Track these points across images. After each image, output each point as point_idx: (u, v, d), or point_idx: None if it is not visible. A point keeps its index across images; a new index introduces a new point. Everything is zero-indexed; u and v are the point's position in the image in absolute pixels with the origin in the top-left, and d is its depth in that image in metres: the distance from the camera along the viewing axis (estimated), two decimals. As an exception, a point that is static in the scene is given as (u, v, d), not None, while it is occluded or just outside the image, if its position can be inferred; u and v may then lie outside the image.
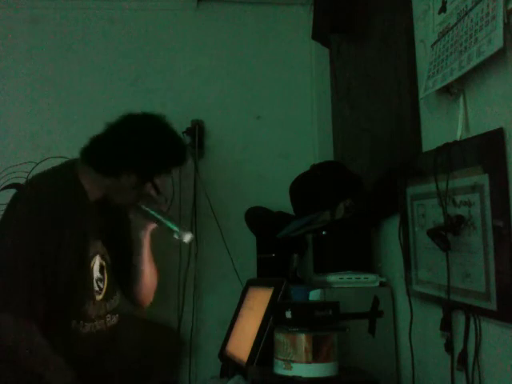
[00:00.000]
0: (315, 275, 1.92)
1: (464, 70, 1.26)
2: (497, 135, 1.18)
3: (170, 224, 1.92)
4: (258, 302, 1.90)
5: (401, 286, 1.68)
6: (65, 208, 1.73)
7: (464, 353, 1.31)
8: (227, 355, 1.96)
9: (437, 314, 1.41)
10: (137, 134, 1.81)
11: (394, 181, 1.69)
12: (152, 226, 1.95)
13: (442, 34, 1.40)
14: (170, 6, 2.64)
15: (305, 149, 2.61)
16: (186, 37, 2.64)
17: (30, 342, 1.64)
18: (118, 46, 2.59)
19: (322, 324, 1.48)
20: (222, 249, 2.48)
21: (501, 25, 1.12)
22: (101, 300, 1.84)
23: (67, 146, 2.52)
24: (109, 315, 1.87)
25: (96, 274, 1.83)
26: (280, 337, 1.47)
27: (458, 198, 1.33)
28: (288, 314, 1.47)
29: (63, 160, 2.53)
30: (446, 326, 1.37)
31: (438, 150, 1.40)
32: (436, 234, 1.35)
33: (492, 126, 1.20)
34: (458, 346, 1.33)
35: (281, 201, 2.24)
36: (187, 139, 2.54)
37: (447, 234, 1.33)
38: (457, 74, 1.29)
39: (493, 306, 1.20)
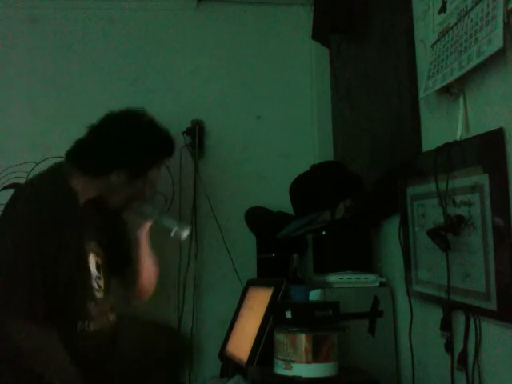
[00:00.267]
0: (315, 275, 1.92)
1: (464, 70, 1.26)
2: (497, 135, 1.18)
3: (164, 222, 1.93)
4: (258, 302, 1.90)
5: (401, 286, 1.68)
6: (64, 208, 1.73)
7: (464, 353, 1.31)
8: (227, 355, 1.96)
9: (437, 314, 1.41)
10: (119, 130, 1.81)
11: (393, 181, 1.69)
12: (148, 224, 1.95)
13: (442, 34, 1.40)
14: (169, 5, 2.64)
15: (305, 149, 2.61)
16: (186, 37, 2.64)
17: (30, 342, 1.63)
18: (118, 45, 2.59)
19: (322, 324, 1.48)
20: (222, 249, 2.48)
21: (501, 25, 1.12)
22: (101, 298, 1.85)
23: (67, 146, 2.51)
24: (109, 313, 1.88)
25: (94, 272, 1.83)
26: (280, 337, 1.47)
27: (458, 198, 1.33)
28: (288, 314, 1.47)
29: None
30: (446, 325, 1.37)
31: (438, 149, 1.40)
32: (436, 234, 1.35)
33: (492, 126, 1.20)
34: (458, 346, 1.33)
35: (281, 201, 2.24)
36: (187, 139, 2.54)
37: (447, 233, 1.33)
38: (457, 74, 1.29)
39: (493, 306, 1.20)
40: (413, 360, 1.53)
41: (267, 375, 1.48)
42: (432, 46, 1.46)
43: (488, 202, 1.22)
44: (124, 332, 1.90)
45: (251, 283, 2.12)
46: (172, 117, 2.56)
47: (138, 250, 1.96)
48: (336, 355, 1.46)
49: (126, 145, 1.79)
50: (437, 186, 1.38)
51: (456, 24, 1.32)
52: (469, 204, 1.29)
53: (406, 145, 1.67)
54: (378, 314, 1.71)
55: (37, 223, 1.69)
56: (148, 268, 1.99)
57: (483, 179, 1.23)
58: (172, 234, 1.92)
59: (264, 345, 1.69)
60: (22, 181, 2.47)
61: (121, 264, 1.98)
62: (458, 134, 1.34)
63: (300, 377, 1.42)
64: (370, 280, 1.77)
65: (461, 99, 1.34)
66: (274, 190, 2.48)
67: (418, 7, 1.60)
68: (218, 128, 2.61)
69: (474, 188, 1.27)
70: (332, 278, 1.77)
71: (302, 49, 2.66)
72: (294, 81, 2.66)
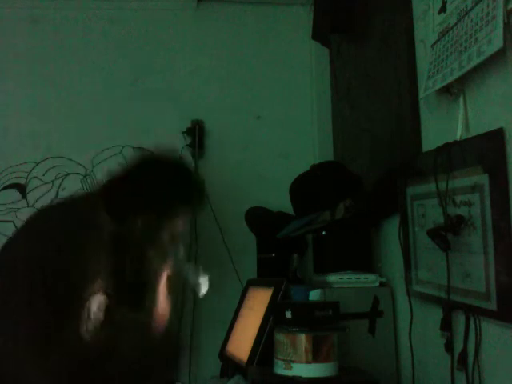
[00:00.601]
0: (315, 275, 1.92)
1: (464, 70, 1.26)
2: (497, 135, 1.18)
3: (186, 272, 1.91)
4: (258, 302, 1.90)
5: (401, 286, 1.68)
6: (79, 235, 1.71)
7: (464, 353, 1.31)
8: (227, 355, 1.96)
9: (437, 314, 1.41)
10: (152, 176, 1.80)
11: (393, 181, 1.69)
12: (168, 269, 1.93)
13: (442, 34, 1.40)
14: (169, 5, 2.64)
15: (305, 149, 2.61)
16: (185, 37, 2.64)
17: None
18: (117, 46, 2.59)
19: (322, 324, 1.47)
20: (222, 249, 2.48)
21: (501, 25, 1.12)
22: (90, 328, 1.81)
23: (67, 146, 2.53)
24: (106, 326, 1.85)
25: (93, 311, 1.79)
26: (280, 337, 1.47)
27: (458, 198, 1.33)
28: (288, 314, 1.47)
29: (63, 160, 2.54)
30: (446, 325, 1.37)
31: (438, 150, 1.40)
32: (436, 234, 1.35)
33: (492, 125, 1.20)
34: (458, 346, 1.33)
35: (281, 201, 2.24)
36: (187, 139, 2.55)
37: (447, 233, 1.33)
38: (457, 74, 1.29)
39: (493, 306, 1.20)
40: (413, 360, 1.53)
41: (267, 375, 1.48)
42: (432, 46, 1.46)
43: (488, 202, 1.22)
44: (123, 332, 1.90)
45: (251, 283, 2.12)
46: (172, 117, 2.57)
47: (154, 294, 1.93)
48: (336, 355, 1.46)
49: (154, 192, 1.78)
50: (437, 186, 1.38)
51: (456, 24, 1.32)
52: (469, 204, 1.29)
53: (406, 145, 1.67)
54: (378, 314, 1.71)
55: (51, 234, 1.67)
56: (161, 310, 1.97)
57: (483, 179, 1.23)
58: (190, 286, 1.91)
59: (264, 345, 1.68)
60: (22, 181, 2.48)
61: (133, 302, 1.94)
62: (458, 134, 1.34)
63: (300, 377, 1.42)
64: (370, 280, 1.77)
65: (461, 99, 1.34)
66: (273, 190, 2.48)
67: (417, 7, 1.60)
68: (218, 128, 2.61)
69: (474, 188, 1.27)
70: (332, 277, 1.77)
71: (302, 49, 2.66)
72: (294, 81, 2.66)
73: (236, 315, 2.05)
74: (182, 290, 2.44)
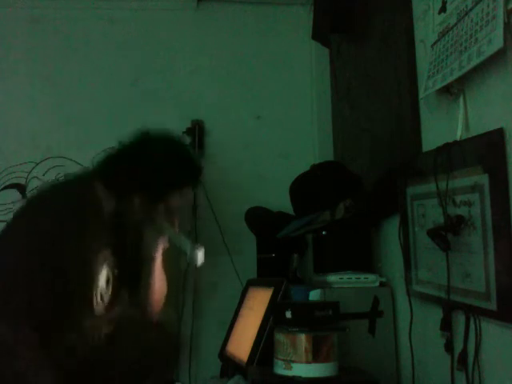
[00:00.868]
0: (315, 275, 1.92)
1: (464, 70, 1.26)
2: (497, 135, 1.18)
3: (183, 245, 1.92)
4: (258, 302, 1.90)
5: (401, 286, 1.68)
6: (82, 216, 1.72)
7: (464, 353, 1.31)
8: (227, 355, 1.96)
9: (437, 314, 1.41)
10: (148, 154, 1.81)
11: (393, 181, 1.69)
12: (164, 244, 1.94)
13: (442, 34, 1.40)
14: (170, 5, 2.64)
15: (305, 149, 2.61)
16: (185, 37, 2.64)
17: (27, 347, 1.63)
18: (117, 46, 2.59)
19: (322, 324, 1.47)
20: (222, 249, 2.48)
21: (501, 25, 1.12)
22: (100, 311, 1.83)
23: (67, 146, 2.53)
24: (106, 325, 1.86)
25: (101, 285, 1.81)
26: (280, 337, 1.47)
27: (458, 198, 1.33)
28: (288, 314, 1.47)
29: (63, 160, 2.53)
30: (446, 325, 1.37)
31: (438, 150, 1.40)
32: (436, 234, 1.35)
33: (492, 126, 1.20)
34: (458, 346, 1.33)
35: (281, 201, 2.24)
36: (187, 139, 2.54)
37: (447, 233, 1.33)
38: (457, 74, 1.29)
39: (493, 306, 1.20)
40: (413, 360, 1.53)
41: (267, 375, 1.48)
42: (432, 46, 1.46)
43: (488, 202, 1.22)
44: (123, 331, 1.90)
45: (251, 283, 2.12)
46: (172, 117, 2.57)
47: (150, 269, 1.94)
48: (336, 355, 1.46)
49: (150, 169, 1.79)
50: (437, 186, 1.38)
51: (456, 24, 1.32)
52: (469, 204, 1.29)
53: (406, 145, 1.67)
54: (378, 314, 1.71)
55: (44, 233, 1.68)
56: (158, 287, 1.98)
57: (483, 179, 1.23)
58: (188, 260, 1.92)
59: (264, 345, 1.68)
60: (22, 181, 2.48)
61: (132, 280, 1.96)
62: (458, 133, 1.34)
63: (300, 377, 1.42)
64: (370, 280, 1.77)
65: (461, 99, 1.34)
66: (274, 190, 2.48)
67: (417, 7, 1.60)
68: (217, 128, 2.61)
69: (473, 188, 1.27)
70: (332, 278, 1.77)
71: (302, 49, 2.66)
72: (294, 81, 2.66)
73: (236, 315, 2.05)
74: (181, 289, 2.45)
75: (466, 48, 1.26)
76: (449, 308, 1.36)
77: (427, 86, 1.45)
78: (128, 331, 1.90)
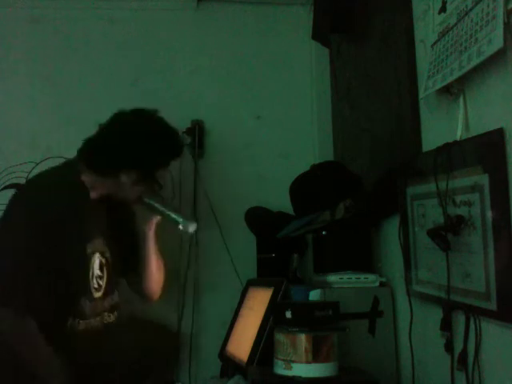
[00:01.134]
0: (315, 275, 1.92)
1: (464, 70, 1.26)
2: (497, 135, 1.18)
3: (173, 215, 1.94)
4: (258, 302, 1.90)
5: (401, 286, 1.68)
6: (64, 209, 1.73)
7: (464, 353, 1.31)
8: (227, 355, 1.96)
9: (437, 314, 1.41)
10: (129, 132, 1.83)
11: (393, 181, 1.69)
12: (156, 218, 1.96)
13: (442, 34, 1.40)
14: (170, 5, 2.64)
15: (305, 149, 2.61)
16: (185, 37, 2.64)
17: (30, 341, 1.64)
18: (117, 46, 2.59)
19: (322, 324, 1.48)
20: (222, 249, 2.48)
21: (501, 25, 1.12)
22: (99, 297, 1.85)
23: (67, 146, 2.51)
24: (106, 313, 1.88)
25: (96, 271, 1.84)
26: (280, 337, 1.47)
27: (458, 198, 1.33)
28: (288, 314, 1.47)
29: (63, 160, 2.53)
30: (446, 325, 1.37)
31: (438, 150, 1.40)
32: (436, 234, 1.35)
33: (492, 126, 1.20)
34: (458, 346, 1.33)
35: (281, 201, 2.24)
36: (187, 139, 2.54)
37: (447, 233, 1.33)
38: (457, 74, 1.29)
39: (493, 306, 1.20)
40: (413, 360, 1.53)
41: (267, 375, 1.48)
42: (432, 45, 1.46)
43: (488, 202, 1.22)
44: (123, 331, 1.90)
45: (251, 283, 2.12)
46: (172, 117, 2.56)
47: (146, 245, 1.97)
48: (336, 355, 1.46)
49: (134, 146, 1.80)
50: (437, 186, 1.38)
51: (456, 24, 1.32)
52: (469, 204, 1.29)
53: (406, 145, 1.67)
54: (378, 314, 1.71)
55: (35, 224, 1.69)
56: (155, 268, 2.00)
57: (483, 179, 1.23)
58: (181, 227, 1.93)
59: (264, 345, 1.69)
60: (22, 181, 2.47)
61: (130, 260, 1.98)
62: (458, 133, 1.34)
63: (300, 377, 1.42)
64: (370, 280, 1.77)
65: (461, 99, 1.34)
66: (274, 189, 2.48)
67: (417, 7, 1.60)
68: (217, 128, 2.61)
69: (473, 188, 1.27)
70: (332, 278, 1.77)
71: (302, 49, 2.66)
72: (294, 81, 2.66)
73: (236, 315, 2.05)
74: (181, 290, 2.45)
75: (465, 48, 1.26)
76: (449, 308, 1.36)
77: (427, 86, 1.45)
78: (127, 331, 1.91)
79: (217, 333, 2.22)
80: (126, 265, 1.99)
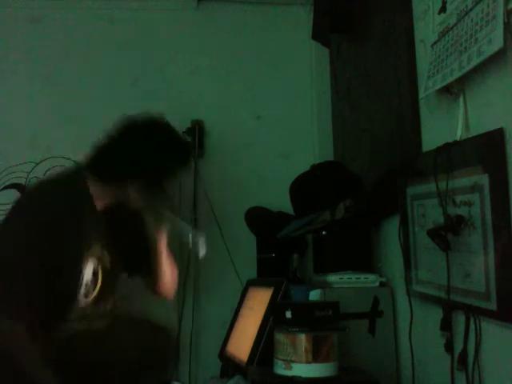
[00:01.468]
0: (315, 275, 1.92)
1: (464, 70, 1.26)
2: (497, 135, 1.18)
3: (182, 223, 1.93)
4: (258, 302, 1.90)
5: (401, 286, 1.68)
6: (64, 210, 1.72)
7: (464, 353, 1.31)
8: (227, 355, 1.96)
9: (437, 314, 1.41)
10: (137, 139, 1.81)
11: (393, 181, 1.69)
12: (166, 224, 1.95)
13: (442, 34, 1.40)
14: (170, 5, 2.64)
15: (305, 149, 2.61)
16: (185, 37, 2.64)
17: (28, 346, 1.63)
18: (117, 46, 2.59)
19: (322, 324, 1.48)
20: (222, 249, 2.48)
21: (501, 25, 1.12)
22: (87, 303, 1.83)
23: (67, 146, 2.52)
24: (94, 318, 1.86)
25: (86, 277, 1.81)
26: (280, 337, 1.47)
27: (458, 198, 1.33)
28: (288, 314, 1.47)
29: (63, 160, 2.53)
30: (446, 325, 1.37)
31: (438, 150, 1.40)
32: (436, 234, 1.35)
33: (492, 126, 1.20)
34: (458, 346, 1.33)
35: (281, 201, 2.24)
36: (187, 139, 2.54)
37: (447, 233, 1.33)
38: (457, 74, 1.29)
39: (493, 306, 1.20)
40: (413, 360, 1.53)
41: (267, 375, 1.48)
42: (432, 45, 1.46)
43: (488, 202, 1.22)
44: (120, 331, 1.90)
45: (251, 283, 2.12)
46: (172, 117, 2.56)
47: (159, 252, 1.95)
48: (336, 355, 1.46)
49: (143, 154, 1.79)
50: (437, 186, 1.38)
51: (456, 24, 1.32)
52: (469, 204, 1.29)
53: (406, 145, 1.67)
54: (378, 314, 1.71)
55: (36, 230, 1.68)
56: (169, 267, 2.00)
57: (483, 179, 1.23)
58: (189, 237, 1.93)
59: (264, 345, 1.69)
60: (22, 181, 2.48)
61: (145, 266, 1.97)
62: (458, 133, 1.34)
63: (300, 377, 1.42)
64: (370, 280, 1.77)
65: (461, 99, 1.34)
66: (274, 189, 2.48)
67: (417, 7, 1.60)
68: (217, 128, 2.61)
69: (473, 188, 1.27)
70: (332, 278, 1.77)
71: (302, 49, 2.66)
72: (293, 81, 2.66)
73: (236, 315, 2.05)
74: (181, 290, 2.45)
75: (466, 48, 1.26)
76: (449, 308, 1.36)
77: (427, 85, 1.45)
78: (127, 331, 1.91)
79: (217, 333, 2.22)
80: (142, 270, 1.98)
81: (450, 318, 1.36)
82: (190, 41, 2.65)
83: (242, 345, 1.85)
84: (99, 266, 1.86)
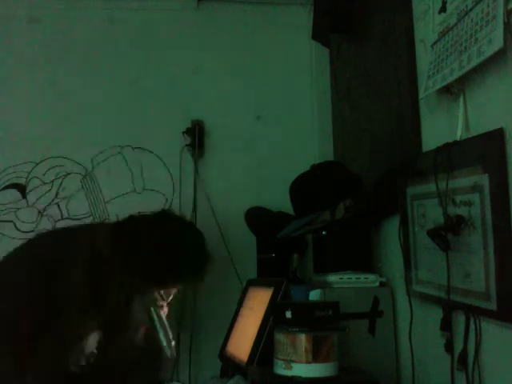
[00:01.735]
0: (315, 275, 1.92)
1: (464, 70, 1.26)
2: (497, 135, 1.18)
3: (161, 335, 1.88)
4: (258, 302, 1.90)
5: (401, 286, 1.68)
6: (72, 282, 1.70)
7: (464, 353, 1.31)
8: (227, 355, 1.96)
9: (437, 314, 1.41)
10: (157, 244, 1.75)
11: (393, 181, 1.69)
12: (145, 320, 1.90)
13: (442, 34, 1.40)
14: (169, 6, 2.64)
15: (305, 149, 2.61)
16: (185, 37, 2.64)
17: None
18: (118, 46, 2.59)
19: (322, 324, 1.47)
20: (222, 249, 2.48)
21: (501, 25, 1.12)
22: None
23: (67, 146, 2.53)
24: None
25: (90, 349, 1.77)
26: (280, 337, 1.47)
27: (458, 198, 1.33)
28: (288, 314, 1.47)
29: (63, 160, 2.53)
30: (446, 325, 1.37)
31: (438, 150, 1.40)
32: (436, 234, 1.35)
33: (492, 126, 1.20)
34: (458, 346, 1.33)
35: (281, 201, 2.24)
36: (187, 139, 2.55)
37: (447, 233, 1.33)
38: (457, 74, 1.29)
39: (493, 306, 1.20)
40: (413, 360, 1.53)
41: (267, 375, 1.48)
42: (432, 45, 1.46)
43: (488, 202, 1.22)
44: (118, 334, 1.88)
45: (251, 283, 2.12)
46: (172, 117, 2.57)
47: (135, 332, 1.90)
48: (336, 355, 1.46)
49: (154, 255, 1.74)
50: (437, 186, 1.38)
51: (456, 24, 1.32)
52: (469, 204, 1.29)
53: (406, 145, 1.67)
54: (378, 314, 1.71)
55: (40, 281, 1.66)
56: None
57: (483, 179, 1.23)
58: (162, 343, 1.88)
59: (264, 345, 1.68)
60: (22, 181, 2.48)
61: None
62: (458, 133, 1.34)
63: (300, 377, 1.42)
64: (370, 280, 1.77)
65: (461, 99, 1.34)
66: (274, 190, 2.48)
67: (417, 7, 1.60)
68: (217, 128, 2.61)
69: (473, 188, 1.27)
70: (332, 277, 1.77)
71: (302, 49, 2.66)
72: (293, 81, 2.66)
73: (236, 315, 2.05)
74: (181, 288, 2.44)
75: (466, 48, 1.26)
76: (449, 308, 1.36)
77: (427, 85, 1.45)
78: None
79: (217, 333, 2.21)
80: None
81: (450, 318, 1.36)
82: (189, 41, 2.64)
83: (241, 345, 1.85)
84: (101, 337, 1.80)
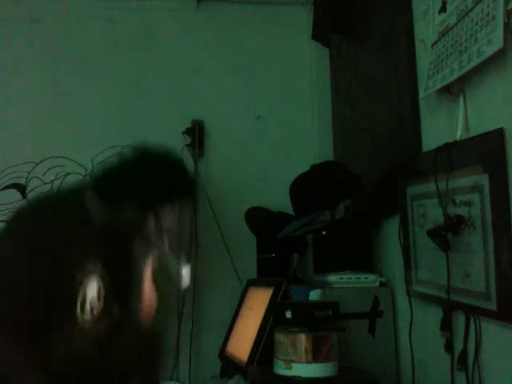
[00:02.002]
0: (315, 275, 1.92)
1: (464, 70, 1.26)
2: (497, 135, 1.18)
3: (169, 257, 1.89)
4: (258, 302, 1.90)
5: (401, 286, 1.68)
6: (63, 233, 1.71)
7: (464, 353, 1.31)
8: (227, 355, 1.96)
9: (437, 314, 1.41)
10: (146, 169, 1.80)
11: (393, 181, 1.69)
12: (154, 257, 1.92)
13: (442, 34, 1.40)
14: (170, 6, 2.64)
15: (305, 149, 2.61)
16: (185, 37, 2.64)
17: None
18: (117, 45, 2.59)
19: (322, 324, 1.48)
20: (222, 249, 2.48)
21: (501, 25, 1.12)
22: (86, 319, 1.80)
23: (67, 146, 2.52)
24: (93, 333, 1.84)
25: (91, 296, 1.78)
26: (280, 337, 1.47)
27: (458, 198, 1.33)
28: (288, 314, 1.47)
29: (63, 160, 2.53)
30: (446, 325, 1.37)
31: (438, 149, 1.40)
32: (436, 234, 1.35)
33: (492, 125, 1.20)
34: (458, 346, 1.33)
35: (281, 201, 2.24)
36: (187, 139, 2.55)
37: (447, 233, 1.34)
38: (457, 74, 1.29)
39: (493, 306, 1.20)
40: (413, 360, 1.53)
41: (267, 375, 1.48)
42: (432, 45, 1.46)
43: (488, 202, 1.22)
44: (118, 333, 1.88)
45: (251, 283, 2.12)
46: (172, 117, 2.57)
47: (140, 279, 1.92)
48: (336, 355, 1.46)
49: (141, 179, 1.78)
50: (437, 186, 1.38)
51: (456, 24, 1.32)
52: (469, 204, 1.29)
53: (405, 145, 1.67)
54: (378, 314, 1.71)
55: (33, 244, 1.67)
56: (148, 301, 1.95)
57: (483, 179, 1.23)
58: (173, 273, 1.89)
59: (264, 345, 1.68)
60: (22, 181, 2.48)
61: (122, 296, 1.93)
62: (458, 134, 1.34)
63: (300, 377, 1.42)
64: (370, 280, 1.77)
65: (461, 99, 1.34)
66: (274, 190, 2.48)
67: (417, 7, 1.60)
68: (217, 128, 2.61)
69: (473, 188, 1.27)
70: (332, 278, 1.77)
71: (302, 49, 2.66)
72: (294, 81, 2.66)
73: (236, 315, 2.05)
74: (180, 291, 2.45)
75: (466, 48, 1.26)
76: (449, 308, 1.36)
77: (427, 85, 1.45)
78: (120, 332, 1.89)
79: (217, 333, 2.21)
80: (117, 298, 1.93)
81: (450, 318, 1.36)
82: (189, 41, 2.64)
83: (241, 345, 1.85)
84: (101, 283, 1.82)
